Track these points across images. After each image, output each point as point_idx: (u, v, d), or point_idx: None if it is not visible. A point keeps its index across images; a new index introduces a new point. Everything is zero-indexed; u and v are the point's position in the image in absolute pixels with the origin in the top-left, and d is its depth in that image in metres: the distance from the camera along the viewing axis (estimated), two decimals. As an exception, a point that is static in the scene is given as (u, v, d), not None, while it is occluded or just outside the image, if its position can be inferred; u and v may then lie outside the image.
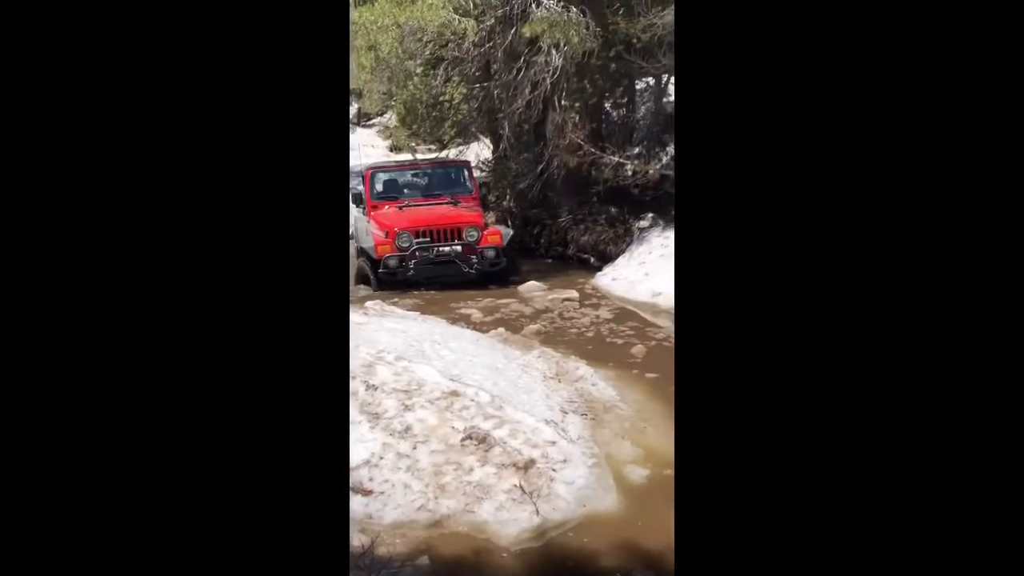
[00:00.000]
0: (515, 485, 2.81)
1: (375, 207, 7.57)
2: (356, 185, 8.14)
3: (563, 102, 8.28)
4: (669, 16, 7.24)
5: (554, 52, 7.70)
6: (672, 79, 10.56)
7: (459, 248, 6.86)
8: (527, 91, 8.22)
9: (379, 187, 7.86)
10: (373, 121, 21.19)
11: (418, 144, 12.63)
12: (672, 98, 11.19)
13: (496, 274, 6.99)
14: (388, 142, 18.79)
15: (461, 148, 11.67)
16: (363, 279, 7.08)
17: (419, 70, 9.43)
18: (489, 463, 2.94)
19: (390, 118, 19.66)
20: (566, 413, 3.52)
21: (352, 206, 8.27)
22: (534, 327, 5.31)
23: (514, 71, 8.38)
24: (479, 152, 11.76)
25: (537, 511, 2.68)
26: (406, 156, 12.12)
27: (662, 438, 3.36)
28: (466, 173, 8.20)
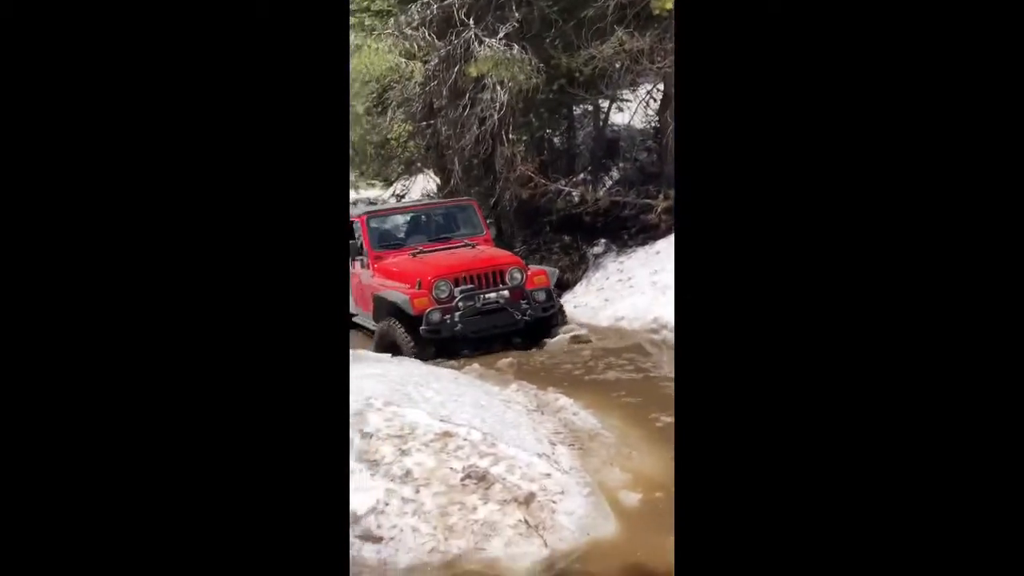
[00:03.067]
0: (520, 520, 2.93)
1: (379, 258, 6.53)
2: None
3: (511, 136, 8.50)
4: (609, 49, 7.55)
5: (499, 89, 7.92)
6: (610, 107, 10.95)
7: (506, 293, 5.88)
8: (475, 127, 8.42)
9: (379, 235, 6.76)
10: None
11: (360, 182, 12.70)
12: (612, 124, 11.57)
13: (544, 322, 6.07)
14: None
15: (406, 183, 11.80)
16: (389, 347, 5.80)
17: (361, 110, 9.55)
18: (491, 500, 3.05)
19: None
20: (555, 445, 3.66)
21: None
22: (507, 360, 5.44)
23: (460, 108, 8.58)
24: (425, 186, 11.92)
25: (545, 543, 2.80)
26: (370, 195, 11.98)
27: (648, 462, 3.54)
28: (474, 212, 7.22)
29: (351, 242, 6.64)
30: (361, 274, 6.66)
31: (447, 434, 3.52)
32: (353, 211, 7.23)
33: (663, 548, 2.64)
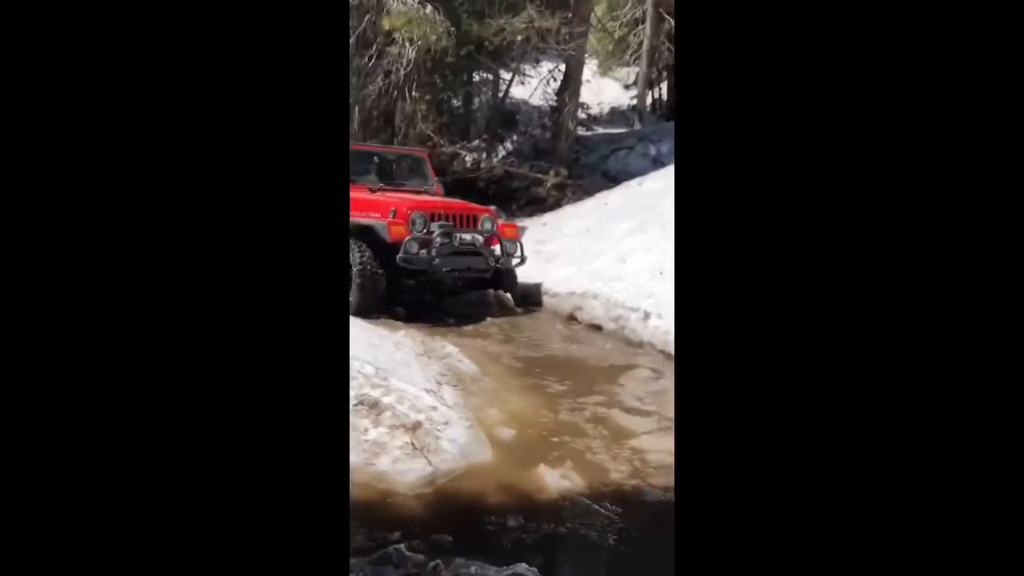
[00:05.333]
0: (407, 442, 3.25)
1: None
2: None
3: (414, 93, 8.67)
4: (519, 22, 7.86)
5: (408, 45, 8.06)
6: (512, 79, 11.25)
7: (481, 238, 5.91)
8: (379, 79, 8.52)
9: None
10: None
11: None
12: (511, 97, 11.88)
13: (508, 273, 6.14)
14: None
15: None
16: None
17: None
18: (382, 425, 3.35)
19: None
20: (440, 384, 4.00)
21: None
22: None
23: (366, 58, 8.64)
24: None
25: (429, 462, 3.14)
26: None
27: (522, 406, 3.95)
28: (426, 165, 7.09)
29: None
30: None
31: (342, 365, 3.78)
32: None
33: (533, 474, 3.09)
